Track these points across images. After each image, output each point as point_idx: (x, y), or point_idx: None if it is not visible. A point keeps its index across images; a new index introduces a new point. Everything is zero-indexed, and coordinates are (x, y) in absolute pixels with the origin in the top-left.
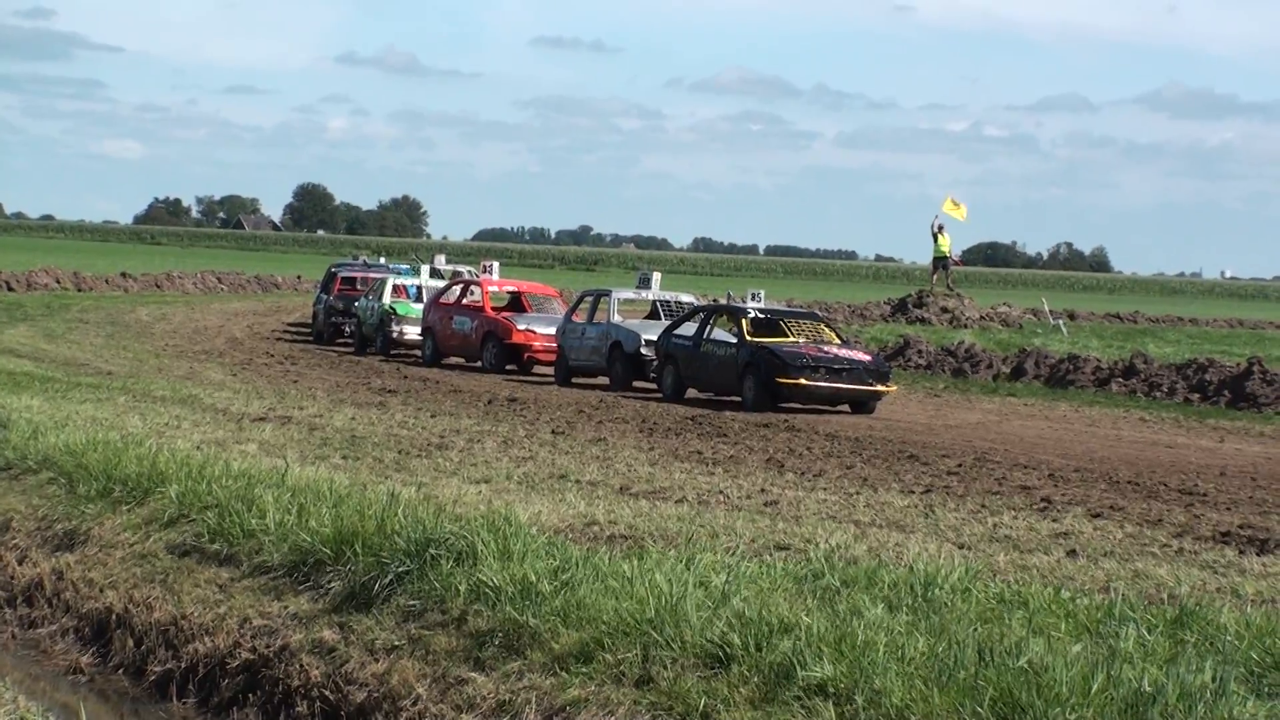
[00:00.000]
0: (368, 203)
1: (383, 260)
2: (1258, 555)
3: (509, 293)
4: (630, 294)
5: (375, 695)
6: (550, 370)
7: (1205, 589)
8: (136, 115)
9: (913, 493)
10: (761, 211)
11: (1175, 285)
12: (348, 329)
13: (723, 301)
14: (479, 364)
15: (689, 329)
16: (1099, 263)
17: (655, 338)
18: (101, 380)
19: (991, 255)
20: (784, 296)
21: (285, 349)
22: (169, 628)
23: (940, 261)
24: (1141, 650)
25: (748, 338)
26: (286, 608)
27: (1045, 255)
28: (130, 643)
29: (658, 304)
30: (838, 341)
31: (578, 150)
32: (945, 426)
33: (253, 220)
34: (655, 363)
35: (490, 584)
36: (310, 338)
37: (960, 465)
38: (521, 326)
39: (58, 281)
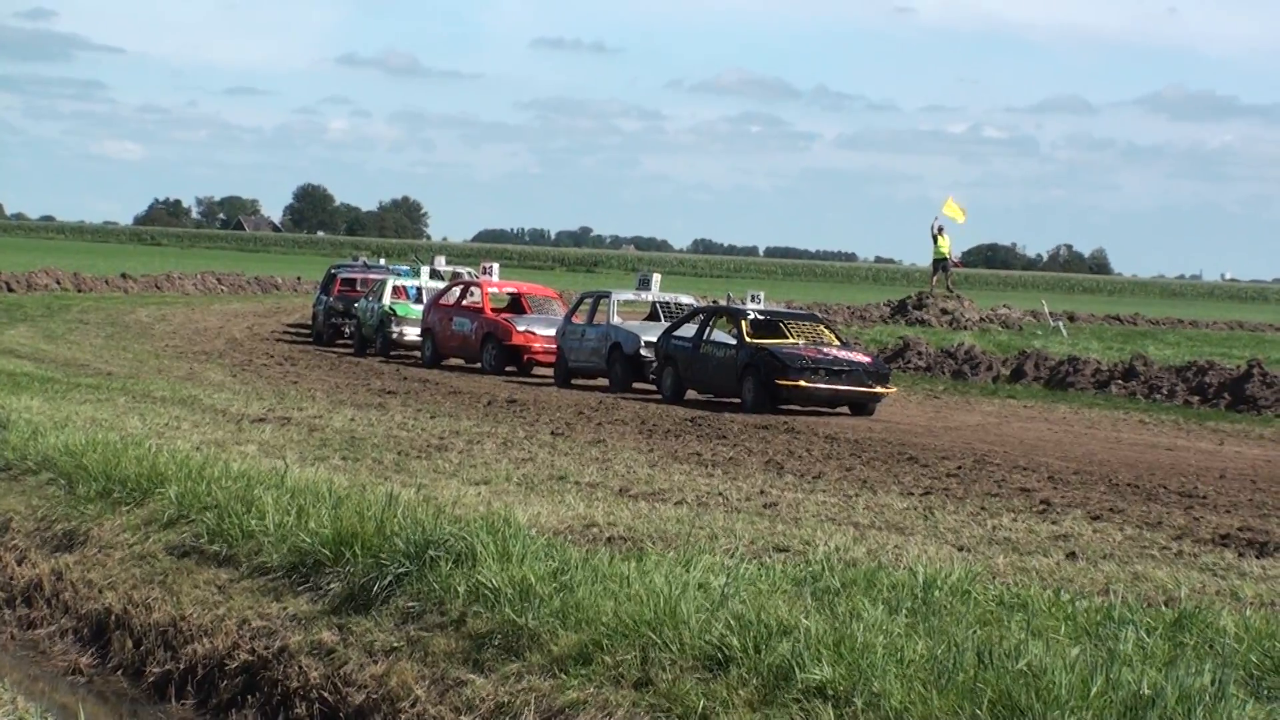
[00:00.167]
0: (368, 204)
1: (382, 261)
2: (1257, 558)
3: (509, 294)
4: (630, 295)
5: (374, 697)
6: (550, 372)
7: (1204, 592)
8: (137, 116)
9: (912, 495)
10: (761, 213)
11: (1175, 287)
12: (347, 330)
13: (722, 303)
14: (478, 365)
15: (688, 330)
16: (1099, 265)
17: (655, 339)
18: (101, 381)
19: (991, 257)
20: (783, 298)
21: (285, 350)
22: (168, 629)
23: (940, 263)
24: (1141, 653)
25: (747, 339)
26: (285, 609)
27: (1045, 257)
28: (129, 644)
29: (657, 305)
30: (837, 343)
31: (578, 151)
32: (945, 428)
33: (253, 221)
34: (655, 364)
35: (489, 585)
36: (310, 339)
37: (960, 467)
38: (521, 328)
39: (58, 282)
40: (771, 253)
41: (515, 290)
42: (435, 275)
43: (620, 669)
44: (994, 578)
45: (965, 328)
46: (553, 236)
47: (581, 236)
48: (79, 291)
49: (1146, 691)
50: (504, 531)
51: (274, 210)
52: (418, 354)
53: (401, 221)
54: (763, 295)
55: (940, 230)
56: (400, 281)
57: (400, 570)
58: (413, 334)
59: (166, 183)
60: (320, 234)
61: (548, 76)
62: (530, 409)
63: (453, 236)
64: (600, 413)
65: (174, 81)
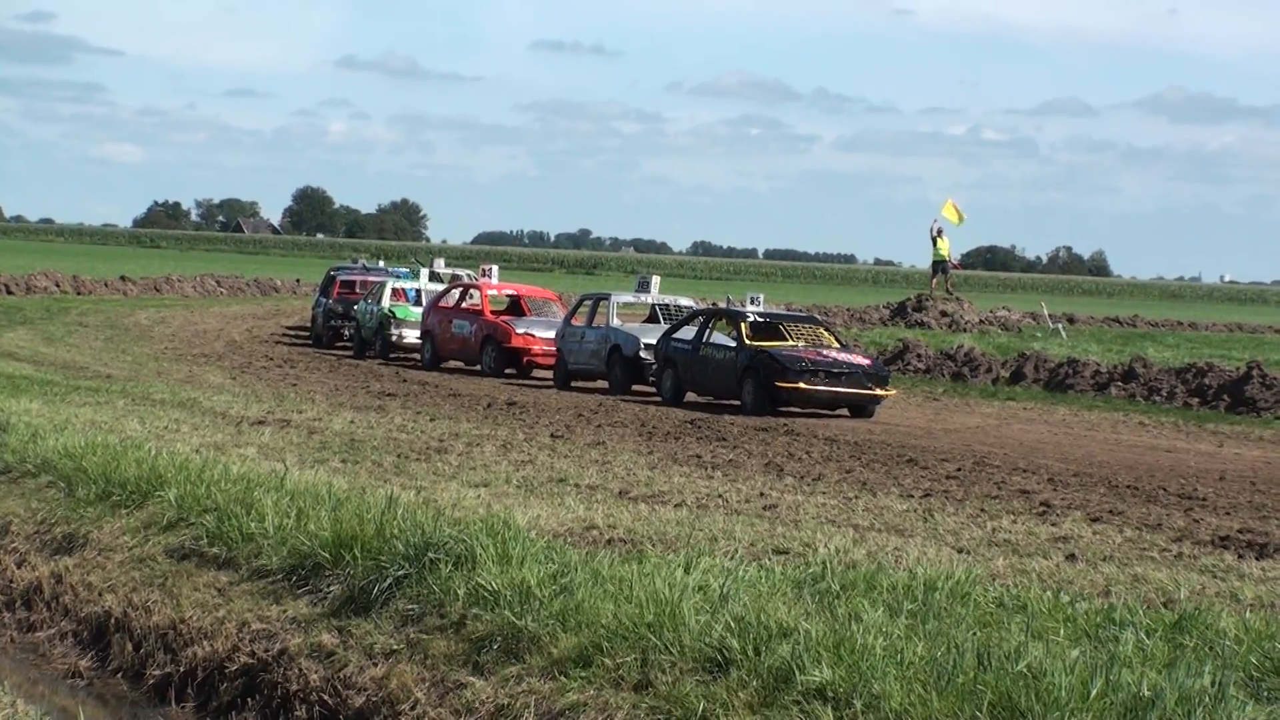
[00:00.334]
0: (367, 206)
1: (382, 264)
2: (1257, 560)
3: (508, 296)
4: (629, 297)
5: (374, 699)
6: (549, 374)
7: (1204, 593)
8: (136, 119)
9: (912, 497)
10: (761, 215)
11: (1175, 289)
12: (347, 332)
13: (722, 305)
14: (478, 367)
15: (688, 333)
16: (1098, 267)
17: (654, 341)
18: (100, 384)
19: (991, 259)
20: (783, 300)
21: (284, 352)
22: (168, 631)
23: (939, 265)
24: (1140, 655)
25: (747, 341)
26: (285, 612)
27: (1044, 259)
28: (129, 646)
29: (657, 307)
30: (837, 345)
31: (577, 154)
32: (944, 430)
33: (252, 223)
34: (654, 366)
35: (489, 588)
36: (309, 341)
37: (959, 469)
38: (520, 330)
39: (57, 285)
40: (771, 255)
41: (514, 292)
42: (434, 277)
43: (620, 671)
44: (994, 580)
45: (965, 330)
46: (552, 239)
47: (581, 239)
48: (78, 294)
49: (1146, 693)
50: (504, 534)
51: (273, 212)
52: (417, 356)
53: (401, 224)
54: (762, 297)
55: (939, 232)
56: (399, 284)
57: (400, 573)
58: (412, 336)
59: (166, 185)
60: (319, 236)
61: (547, 79)
62: (530, 411)
63: (452, 239)
64: (600, 415)
65: (173, 84)
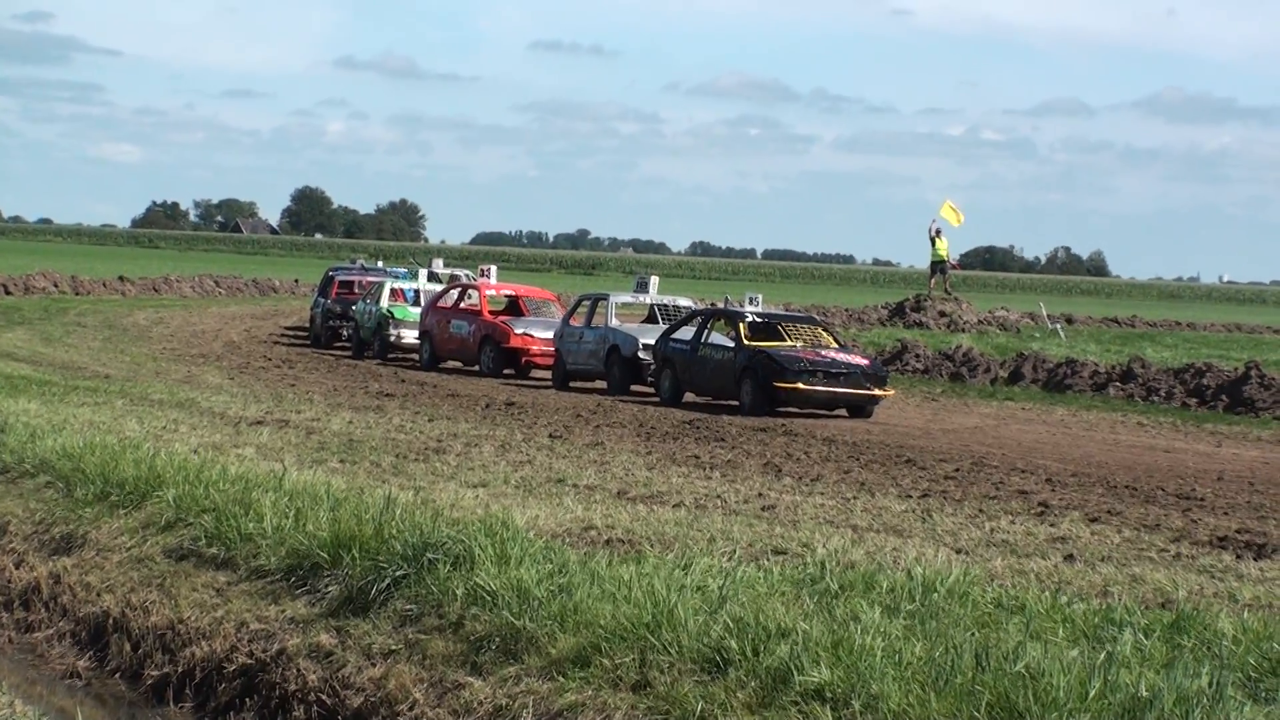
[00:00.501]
0: (365, 206)
1: (380, 264)
2: (1255, 560)
3: (506, 296)
4: (628, 298)
5: (372, 700)
6: (548, 374)
7: (1202, 594)
8: (134, 119)
9: (910, 497)
10: (759, 215)
11: (1173, 290)
12: (345, 333)
13: (720, 305)
14: (476, 368)
15: (686, 333)
16: (1097, 267)
17: (653, 342)
18: (99, 384)
19: (989, 259)
20: (781, 300)
21: (283, 353)
22: (166, 632)
23: (938, 266)
24: (1139, 655)
25: (745, 342)
26: (283, 612)
27: (1043, 259)
28: (127, 647)
29: (655, 308)
30: (835, 346)
31: (575, 154)
32: (943, 431)
33: (250, 224)
34: (653, 367)
35: (487, 588)
36: (308, 341)
37: (958, 470)
38: (519, 330)
39: (55, 285)
40: (769, 255)
41: (513, 293)
42: (433, 278)
43: (619, 671)
44: (992, 580)
45: (963, 330)
46: (550, 239)
47: (579, 239)
48: (76, 294)
49: (1144, 694)
50: (502, 534)
51: (271, 213)
52: (415, 356)
53: (399, 224)
54: (760, 298)
55: (938, 233)
56: (398, 284)
57: (398, 573)
58: (410, 336)
59: (164, 185)
60: (318, 236)
61: (545, 79)
62: (528, 411)
63: (450, 239)
64: (598, 415)
65: (171, 84)
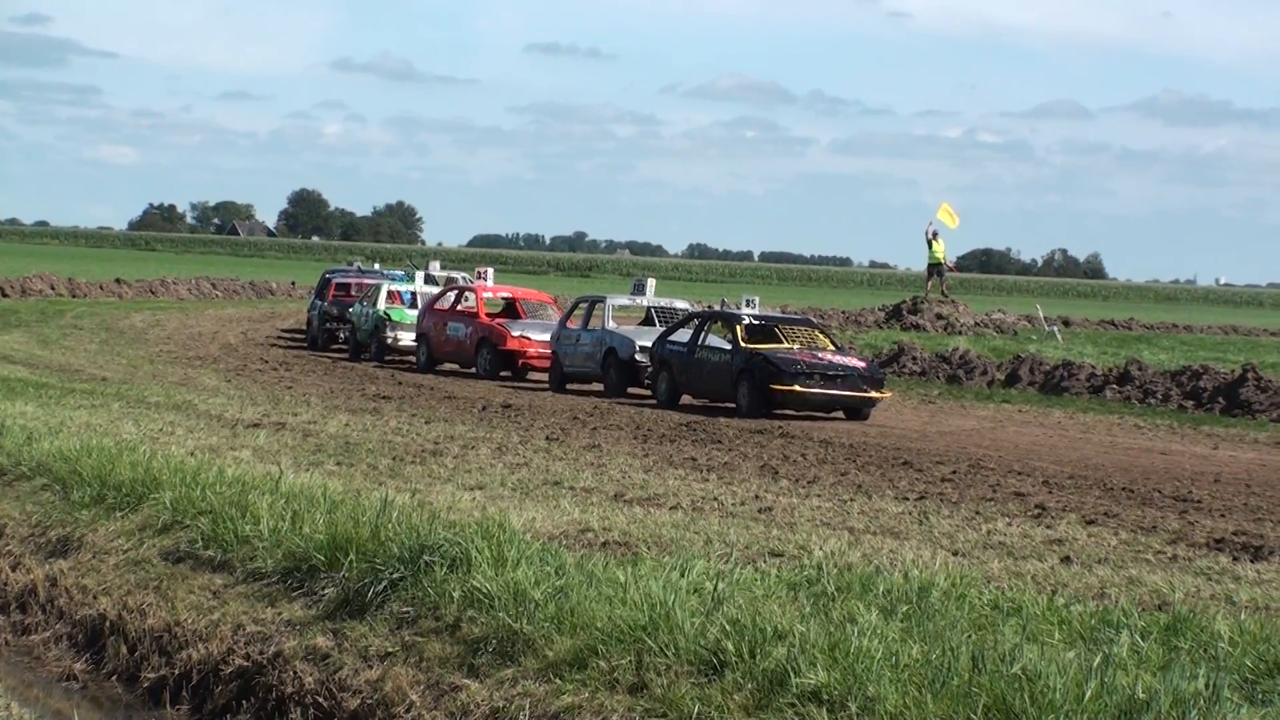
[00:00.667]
0: (362, 209)
1: (377, 266)
2: (1252, 562)
3: (503, 299)
4: (625, 300)
5: (369, 702)
6: (544, 377)
7: (1199, 596)
8: (131, 121)
9: (907, 499)
10: (756, 218)
11: (1170, 292)
12: (342, 335)
13: (717, 308)
14: (473, 370)
15: (683, 335)
16: (1094, 269)
17: (650, 344)
18: (95, 386)
19: (986, 262)
20: (778, 303)
21: (279, 355)
22: (162, 634)
23: (935, 268)
24: (1135, 657)
25: (742, 344)
26: (280, 614)
27: (1040, 262)
28: (124, 649)
29: (652, 310)
30: (832, 348)
31: (572, 156)
32: (939, 433)
33: (247, 226)
34: (650, 369)
35: (484, 591)
36: (304, 344)
37: (954, 472)
38: (516, 333)
39: (52, 288)
40: (766, 257)
41: (510, 295)
42: (430, 280)
43: (615, 674)
44: (989, 582)
45: (960, 332)
46: (547, 241)
47: (576, 241)
48: (73, 297)
49: (1141, 696)
50: (499, 536)
51: (268, 215)
52: (412, 359)
53: (396, 226)
54: (758, 300)
55: (935, 235)
56: (395, 286)
57: (395, 575)
58: (407, 339)
59: (161, 188)
60: (315, 239)
61: (542, 81)
62: (525, 414)
63: (447, 241)
64: (595, 418)
65: (168, 86)
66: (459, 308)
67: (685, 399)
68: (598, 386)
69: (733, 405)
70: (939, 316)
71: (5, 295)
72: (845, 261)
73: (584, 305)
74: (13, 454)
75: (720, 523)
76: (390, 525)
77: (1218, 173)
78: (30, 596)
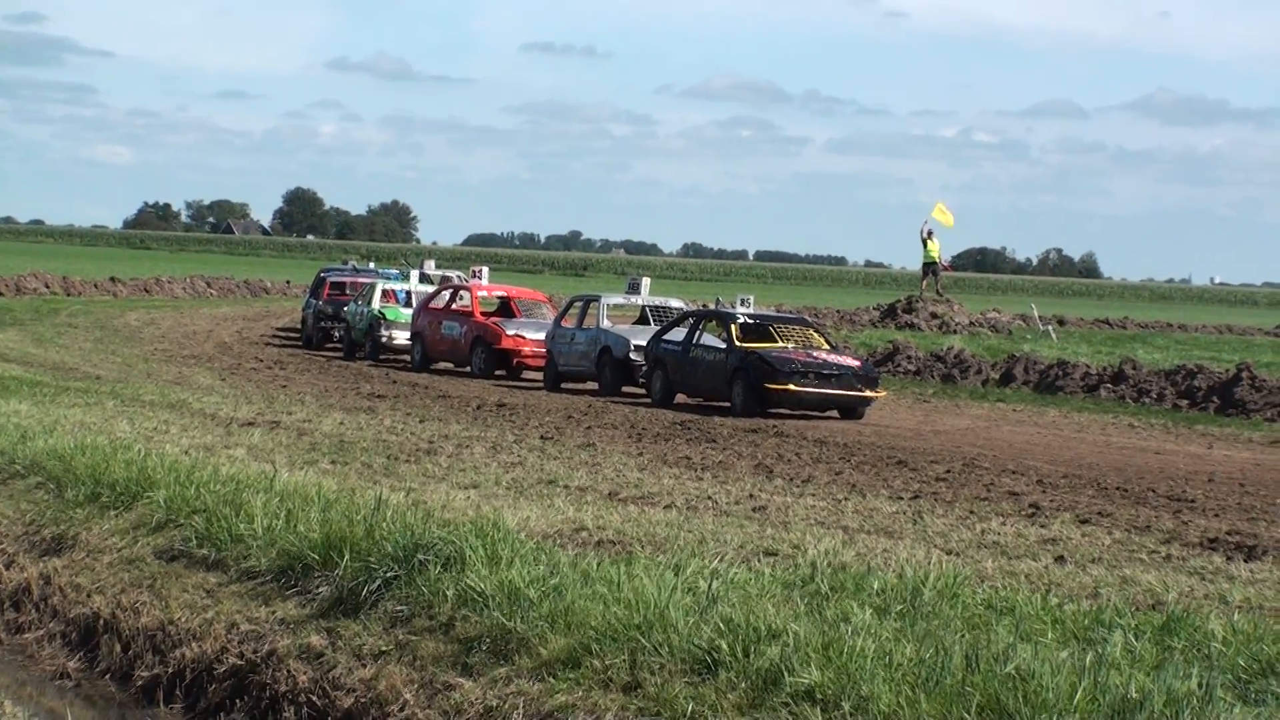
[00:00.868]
0: (357, 208)
1: (372, 265)
2: (1245, 562)
3: (498, 298)
4: (619, 299)
5: (363, 701)
6: (539, 375)
7: (1193, 595)
8: (127, 120)
9: (901, 498)
10: (751, 217)
11: (1165, 291)
12: (337, 334)
13: (712, 307)
14: (468, 369)
15: (678, 334)
16: (1088, 268)
17: (644, 343)
18: (90, 385)
19: (981, 261)
20: (773, 302)
21: (274, 354)
22: (156, 633)
23: (930, 267)
24: (1129, 657)
25: (737, 343)
26: (274, 613)
27: (1035, 261)
28: (117, 648)
29: (647, 309)
30: (827, 347)
31: (568, 156)
32: (934, 432)
33: (242, 225)
34: (644, 368)
35: (478, 589)
36: (299, 343)
37: (949, 471)
38: (510, 332)
39: (46, 286)
40: (761, 256)
41: (505, 294)
42: (424, 279)
43: (609, 672)
44: (983, 581)
45: (955, 331)
46: (542, 240)
47: (571, 240)
48: (68, 295)
49: (1134, 695)
50: (493, 535)
51: (263, 214)
52: (407, 358)
53: (391, 225)
54: (752, 299)
55: (930, 234)
56: (389, 285)
57: (389, 574)
58: (402, 338)
59: (156, 186)
60: (310, 238)
61: (538, 81)
62: (520, 413)
63: (442, 240)
64: (590, 417)
65: (164, 85)
66: (454, 307)
67: (680, 398)
68: (592, 385)
69: (727, 404)
70: (934, 316)
71: (0, 294)
72: (840, 261)
73: (579, 304)
74: (7, 452)
75: (715, 522)
76: (384, 524)
77: (1213, 172)
78: (24, 595)
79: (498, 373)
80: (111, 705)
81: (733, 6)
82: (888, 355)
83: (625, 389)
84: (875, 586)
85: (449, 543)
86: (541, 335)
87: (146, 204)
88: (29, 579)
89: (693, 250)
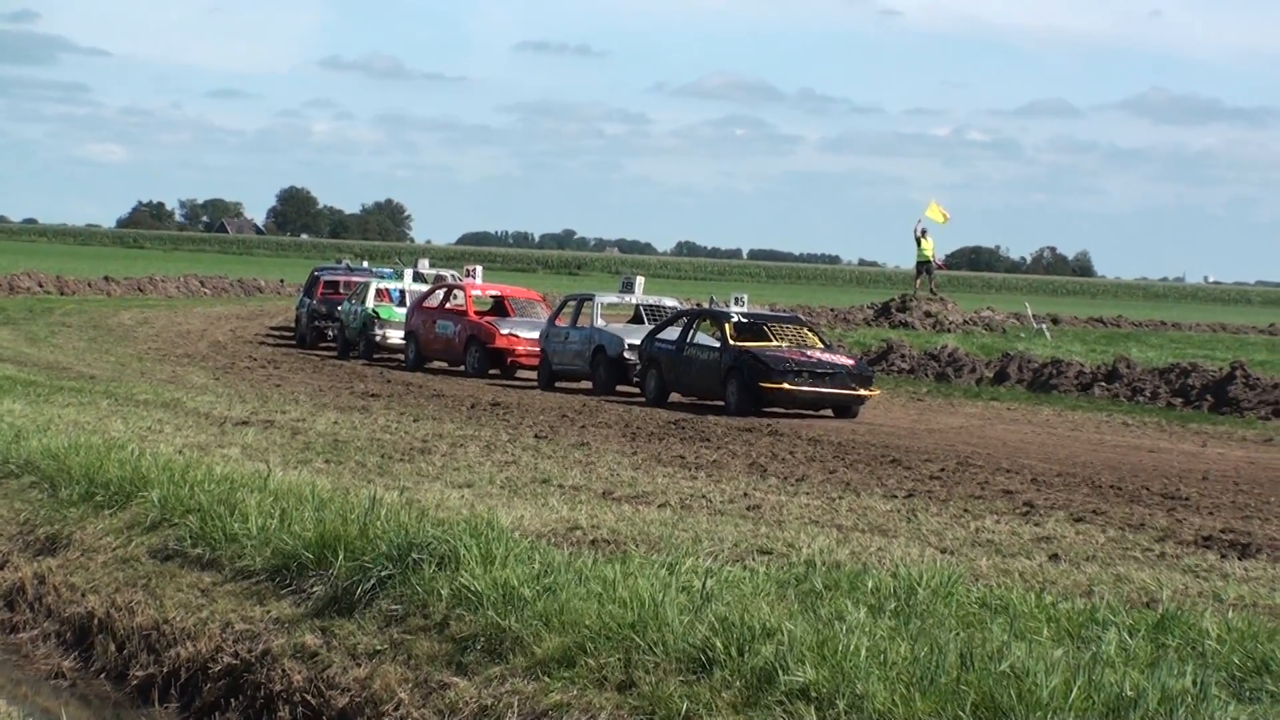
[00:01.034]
0: (351, 206)
1: (366, 264)
2: (1239, 559)
3: (492, 297)
4: (613, 298)
5: (357, 700)
6: (533, 375)
7: (1187, 593)
8: (120, 119)
9: (895, 497)
10: (745, 216)
11: (1158, 290)
12: (331, 333)
13: (706, 306)
14: (462, 368)
15: (672, 333)
16: (1082, 267)
17: (638, 342)
18: (84, 384)
19: (975, 260)
20: (767, 301)
21: (268, 353)
22: (151, 632)
23: (923, 266)
24: (1123, 655)
25: (731, 342)
26: (269, 612)
27: (1029, 260)
28: (112, 647)
29: (641, 308)
30: (820, 346)
31: (561, 154)
32: (928, 431)
33: (236, 224)
34: (638, 367)
35: (472, 588)
36: (293, 342)
37: (943, 470)
38: (505, 331)
39: (40, 285)
40: (755, 255)
41: (499, 293)
42: (418, 278)
43: (604, 671)
44: (977, 580)
45: (949, 330)
46: (536, 239)
47: (565, 239)
48: (61, 294)
49: (1129, 693)
50: (487, 534)
51: (257, 213)
52: (401, 357)
53: (385, 224)
54: (746, 298)
55: (924, 233)
56: (383, 284)
57: (383, 573)
58: (396, 337)
59: (149, 185)
60: (303, 237)
61: (532, 79)
62: (514, 412)
63: (436, 239)
64: (584, 416)
65: (157, 84)
66: (448, 306)
67: (674, 397)
68: (586, 384)
69: (721, 403)
70: (927, 314)
71: None
72: (834, 259)
73: (573, 303)
74: (1, 452)
75: (709, 520)
76: (379, 523)
77: (1206, 171)
78: (18, 594)
79: (492, 372)
80: (106, 705)
81: (726, 5)
82: (882, 354)
83: (619, 388)
84: (869, 585)
85: (443, 542)
86: (535, 334)
87: (140, 203)
88: (23, 579)
89: (687, 249)
